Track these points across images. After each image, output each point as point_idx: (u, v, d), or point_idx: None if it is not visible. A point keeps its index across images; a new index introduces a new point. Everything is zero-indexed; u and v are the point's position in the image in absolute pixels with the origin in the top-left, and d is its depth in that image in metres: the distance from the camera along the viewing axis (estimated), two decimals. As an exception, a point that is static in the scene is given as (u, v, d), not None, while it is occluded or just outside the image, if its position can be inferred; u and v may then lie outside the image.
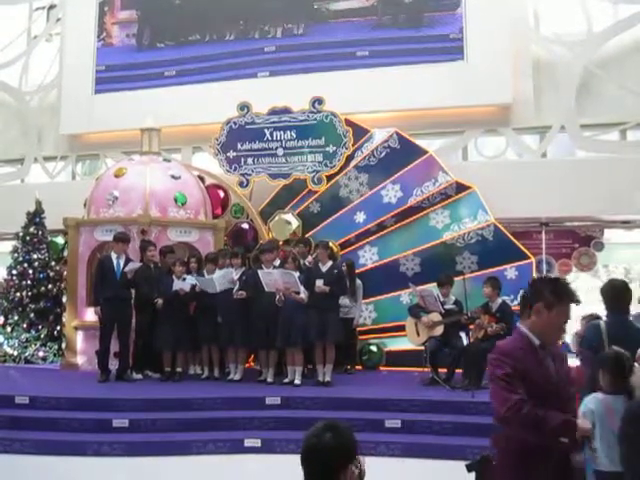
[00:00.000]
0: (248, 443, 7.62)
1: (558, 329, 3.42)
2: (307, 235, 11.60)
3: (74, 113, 14.25)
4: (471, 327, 9.35)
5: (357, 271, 10.96)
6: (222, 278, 9.66)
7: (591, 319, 6.60)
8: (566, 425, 3.27)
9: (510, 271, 10.73)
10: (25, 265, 12.08)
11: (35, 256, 12.16)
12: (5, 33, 15.26)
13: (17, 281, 12.05)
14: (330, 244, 9.97)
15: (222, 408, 8.32)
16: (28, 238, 12.31)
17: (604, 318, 5.41)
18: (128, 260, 9.90)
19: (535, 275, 10.62)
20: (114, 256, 9.88)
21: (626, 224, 12.53)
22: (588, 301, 12.34)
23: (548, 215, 12.11)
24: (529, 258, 10.84)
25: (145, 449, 7.47)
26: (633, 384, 3.88)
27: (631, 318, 5.52)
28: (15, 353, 11.71)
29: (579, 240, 12.63)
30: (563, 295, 3.38)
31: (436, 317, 9.37)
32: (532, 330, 3.41)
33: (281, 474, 6.66)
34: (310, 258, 10.21)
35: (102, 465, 7.17)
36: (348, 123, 11.82)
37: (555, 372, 3.40)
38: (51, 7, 15.54)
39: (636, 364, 4.17)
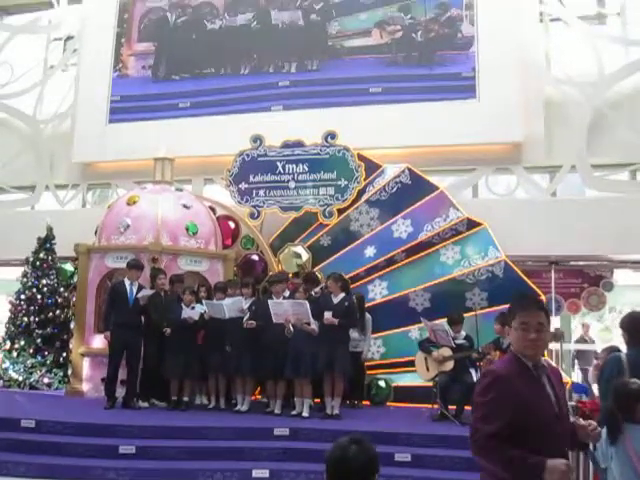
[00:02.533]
0: (256, 473, 7.52)
1: (523, 339, 3.21)
2: (317, 268, 11.60)
3: (87, 142, 14.36)
4: (481, 363, 9.29)
5: (366, 305, 10.93)
6: (232, 305, 9.65)
7: (611, 351, 6.57)
8: (534, 467, 3.01)
9: (520, 308, 10.65)
10: (34, 290, 12.07)
11: (44, 281, 12.15)
12: (22, 62, 15.45)
13: (25, 306, 12.02)
14: (342, 276, 9.92)
15: (230, 438, 8.24)
16: (38, 263, 12.31)
17: (624, 351, 5.39)
18: (140, 287, 9.91)
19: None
20: (127, 283, 9.88)
21: (636, 264, 12.51)
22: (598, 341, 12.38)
23: (557, 254, 12.11)
24: (539, 296, 10.80)
25: (152, 476, 7.39)
26: None
27: None
28: (20, 378, 11.63)
29: (588, 280, 12.62)
30: (517, 303, 3.36)
31: (447, 352, 9.33)
32: (516, 351, 3.29)
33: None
34: (317, 289, 10.18)
35: (108, 491, 7.10)
36: (360, 158, 11.91)
37: (556, 400, 3.24)
38: (68, 38, 15.74)
39: None
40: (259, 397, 10.61)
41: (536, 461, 2.98)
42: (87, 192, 15.12)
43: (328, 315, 9.08)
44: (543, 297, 10.85)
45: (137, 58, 14.81)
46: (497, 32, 12.43)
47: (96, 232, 11.76)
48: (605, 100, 12.04)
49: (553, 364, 3.63)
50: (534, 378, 3.23)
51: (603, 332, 13.24)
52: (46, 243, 12.47)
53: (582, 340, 13.40)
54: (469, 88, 12.47)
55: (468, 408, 9.21)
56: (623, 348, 5.54)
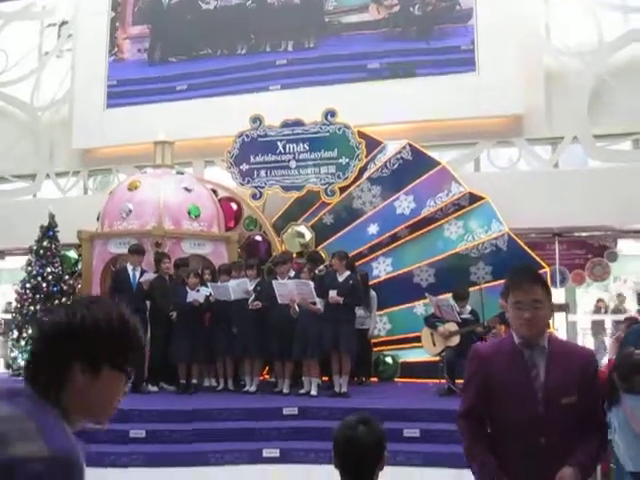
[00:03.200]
0: (266, 453, 7.59)
1: (517, 318, 3.01)
2: (320, 247, 11.60)
3: (86, 128, 14.27)
4: (487, 337, 9.31)
5: (371, 282, 10.94)
6: (237, 287, 9.67)
7: (631, 323, 6.57)
8: (481, 469, 3.09)
9: (525, 281, 10.65)
10: (39, 279, 12.07)
11: (48, 270, 12.14)
12: (17, 49, 15.35)
13: (31, 295, 12.03)
14: (347, 254, 9.93)
15: (239, 418, 8.29)
16: (41, 252, 12.30)
17: None
18: (143, 272, 9.91)
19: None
20: (130, 268, 9.90)
21: (639, 234, 12.49)
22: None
23: (561, 225, 12.07)
24: (544, 268, 10.78)
25: (163, 460, 7.46)
26: None
27: None
28: (29, 367, 11.66)
29: (592, 250, 12.58)
30: (510, 279, 3.17)
31: (452, 327, 9.35)
32: (513, 329, 3.17)
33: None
34: (321, 267, 10.18)
35: (120, 476, 7.17)
36: (361, 135, 11.85)
37: (544, 384, 3.00)
38: (62, 24, 15.61)
39: None
40: (267, 377, 10.65)
41: (490, 474, 3.02)
42: (88, 178, 15.08)
43: (333, 294, 9.10)
44: (547, 269, 10.85)
45: (132, 41, 14.70)
46: (496, 3, 12.28)
47: (98, 218, 11.75)
48: (605, 69, 11.94)
49: (579, 346, 3.38)
50: (520, 359, 3.04)
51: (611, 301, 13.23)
52: (49, 231, 12.43)
53: (598, 311, 13.42)
54: (468, 61, 12.37)
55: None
56: None
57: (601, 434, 3.11)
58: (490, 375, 3.07)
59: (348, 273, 9.41)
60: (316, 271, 9.87)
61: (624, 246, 12.88)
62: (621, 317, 11.06)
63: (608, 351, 7.26)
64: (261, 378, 10.25)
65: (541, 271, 10.61)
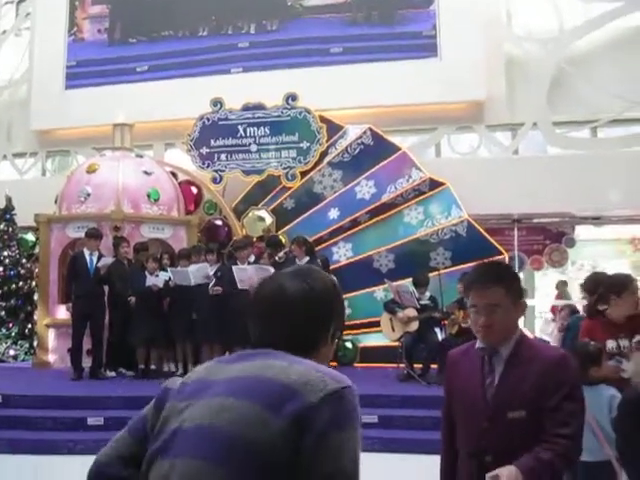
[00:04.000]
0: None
1: (474, 323, 2.70)
2: (280, 231, 11.58)
3: (44, 109, 14.03)
4: (445, 323, 9.40)
5: (331, 267, 10.95)
6: (197, 272, 9.62)
7: (571, 312, 6.67)
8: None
9: (484, 267, 10.76)
10: (-5, 262, 11.93)
11: (5, 253, 12.00)
12: (-27, 27, 15.04)
13: (-13, 278, 11.89)
14: (306, 239, 9.94)
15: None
16: (-2, 235, 12.15)
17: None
18: (101, 256, 9.81)
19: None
20: (87, 252, 9.75)
21: (596, 220, 12.68)
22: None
23: (520, 212, 12.23)
24: (502, 254, 10.89)
25: (121, 447, 7.39)
26: (631, 370, 3.91)
27: None
28: (-15, 351, 11.55)
29: (551, 236, 12.77)
30: (467, 279, 2.88)
31: (411, 312, 9.40)
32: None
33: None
34: (281, 253, 10.17)
35: (77, 463, 7.06)
36: (322, 119, 11.80)
37: (495, 392, 2.65)
38: (20, 1, 15.32)
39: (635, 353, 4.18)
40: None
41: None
42: (46, 160, 14.86)
43: (293, 279, 9.08)
44: (506, 255, 10.95)
45: (92, 21, 14.45)
46: (457, -12, 12.33)
47: (56, 201, 11.59)
48: (566, 57, 12.07)
49: (546, 349, 2.81)
50: (479, 365, 2.72)
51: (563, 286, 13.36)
52: (6, 214, 12.28)
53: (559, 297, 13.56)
54: (430, 46, 12.42)
55: (434, 367, 9.38)
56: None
57: (561, 447, 2.54)
58: (452, 382, 2.85)
59: (307, 259, 9.43)
60: (276, 257, 9.86)
61: (582, 232, 13.08)
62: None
63: (552, 340, 7.36)
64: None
65: (499, 257, 10.74)
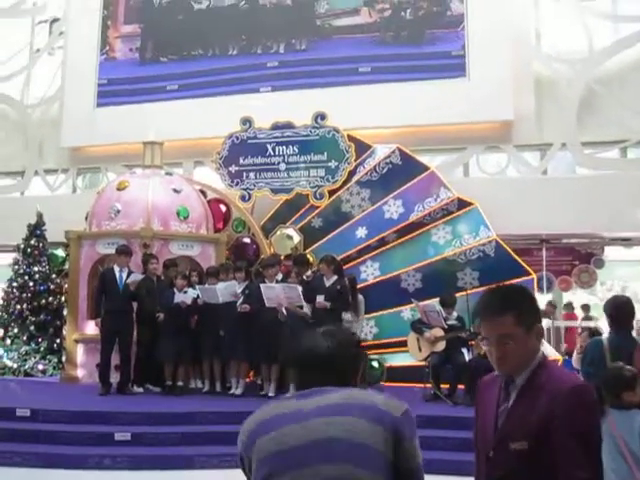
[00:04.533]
0: (251, 458, 7.58)
1: (489, 355, 2.52)
2: (308, 250, 11.62)
3: (76, 126, 14.25)
4: (473, 343, 9.34)
5: (358, 286, 10.96)
6: (225, 290, 9.67)
7: (592, 334, 6.62)
8: None
9: (512, 287, 10.71)
10: (26, 277, 12.06)
11: (36, 269, 12.14)
12: (8, 46, 15.30)
13: (17, 293, 12.02)
14: (334, 258, 9.96)
15: (226, 422, 8.25)
16: (29, 250, 12.29)
17: (606, 334, 5.43)
18: (130, 273, 9.90)
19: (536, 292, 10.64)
20: (117, 269, 9.86)
21: (626, 241, 12.57)
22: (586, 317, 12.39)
23: (549, 232, 12.16)
24: (530, 275, 10.84)
25: (148, 463, 7.43)
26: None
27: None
28: (15, 366, 11.64)
29: (579, 257, 12.70)
30: (475, 308, 2.67)
31: (439, 332, 9.37)
32: None
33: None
34: (309, 272, 10.19)
35: (104, 478, 7.13)
36: (350, 139, 11.85)
37: (505, 422, 2.49)
38: (54, 20, 15.60)
39: None
40: (252, 378, 10.65)
41: None
42: (77, 177, 15.06)
43: (320, 299, 9.12)
44: (534, 275, 10.89)
45: (124, 40, 14.68)
46: (487, 9, 12.36)
47: (86, 218, 11.73)
48: (595, 77, 12.04)
49: (561, 378, 2.43)
50: (498, 392, 2.57)
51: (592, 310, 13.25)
52: (36, 229, 12.44)
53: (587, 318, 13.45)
54: (459, 66, 12.44)
55: (461, 387, 9.34)
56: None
57: None
58: (477, 407, 2.72)
59: (335, 278, 9.43)
60: (304, 276, 9.88)
61: (611, 253, 12.97)
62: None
63: (574, 362, 7.29)
64: (248, 379, 10.27)
65: (527, 278, 10.69)
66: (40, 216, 12.60)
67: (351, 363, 2.38)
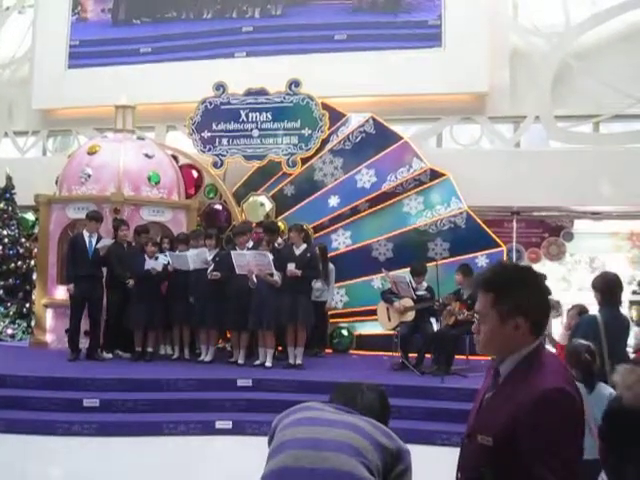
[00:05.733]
0: (219, 425, 7.65)
1: None
2: (280, 217, 11.61)
3: (46, 88, 14.01)
4: (442, 314, 9.43)
5: (330, 255, 11.00)
6: (196, 257, 9.66)
7: (580, 311, 6.69)
8: None
9: (481, 259, 10.84)
10: (-6, 241, 11.95)
11: (5, 232, 12.01)
12: (-24, 4, 14.97)
13: (-14, 257, 11.91)
14: (304, 227, 9.99)
15: (194, 389, 8.33)
16: (-2, 214, 12.16)
17: (597, 311, 5.50)
18: (100, 238, 9.82)
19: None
20: (86, 234, 9.76)
21: (596, 215, 12.70)
22: (556, 290, 12.55)
23: (520, 204, 12.24)
24: (500, 246, 10.96)
25: (116, 429, 7.46)
26: (616, 382, 3.92)
27: None
28: (-17, 330, 11.59)
29: (549, 230, 12.80)
30: None
31: (408, 303, 9.45)
32: None
33: (252, 455, 6.69)
34: (280, 240, 10.19)
35: (72, 444, 7.15)
36: (324, 107, 11.80)
37: (477, 414, 2.41)
38: (24, -21, 15.24)
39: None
40: (223, 344, 10.69)
41: None
42: (47, 139, 14.84)
43: (291, 267, 9.13)
44: (504, 247, 11.01)
45: (96, 1, 14.34)
46: (464, -22, 12.28)
47: (57, 182, 11.59)
48: (571, 51, 12.05)
49: (536, 379, 2.21)
50: (489, 378, 2.47)
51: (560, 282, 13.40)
52: (6, 193, 12.29)
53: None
54: (435, 36, 12.38)
55: (428, 357, 9.46)
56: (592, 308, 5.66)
57: None
58: (479, 390, 2.57)
59: (305, 246, 9.45)
60: (276, 244, 9.88)
61: (580, 226, 13.09)
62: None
63: (559, 338, 7.35)
64: (220, 344, 10.33)
65: (497, 250, 10.81)
66: (9, 179, 12.44)
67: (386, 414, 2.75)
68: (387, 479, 2.47)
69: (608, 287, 5.40)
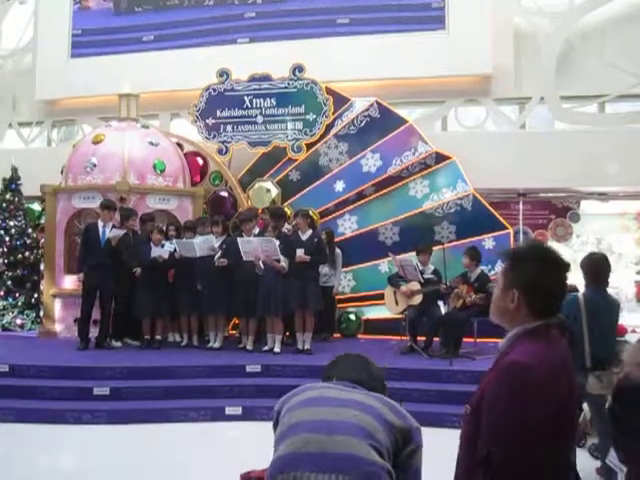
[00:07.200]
0: (229, 411, 7.69)
1: None
2: (286, 203, 11.60)
3: (50, 78, 14.00)
4: (449, 297, 9.44)
5: (336, 240, 11.00)
6: (203, 243, 9.67)
7: (569, 291, 6.68)
8: None
9: (488, 241, 10.83)
10: (2, 232, 11.95)
11: (12, 223, 12.03)
12: (-23, -5, 14.94)
13: (-7, 248, 11.93)
14: (310, 213, 9.98)
15: (203, 376, 8.36)
16: (4, 205, 12.16)
17: (582, 290, 5.49)
18: (113, 228, 9.81)
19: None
20: (100, 224, 9.73)
21: (602, 196, 12.65)
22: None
23: (526, 186, 12.20)
24: (507, 228, 10.94)
25: (126, 417, 7.50)
26: (624, 360, 3.89)
27: None
28: (-8, 320, 11.64)
29: (556, 211, 12.76)
30: None
31: (415, 286, 9.44)
32: None
33: (262, 441, 6.71)
34: (288, 226, 10.19)
35: (83, 433, 7.19)
36: (328, 91, 11.76)
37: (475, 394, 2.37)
38: (25, -32, 15.18)
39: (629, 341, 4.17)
40: (233, 332, 10.73)
41: None
42: (52, 129, 14.84)
43: (300, 253, 9.13)
44: (510, 229, 10.99)
45: (97, -11, 14.34)
46: (467, -40, 12.19)
47: (62, 171, 11.61)
48: (575, 31, 11.98)
49: (514, 352, 2.21)
50: None
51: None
52: (12, 184, 12.30)
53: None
54: (438, 19, 12.31)
55: (436, 340, 9.46)
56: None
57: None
58: None
59: (310, 232, 9.45)
60: (285, 229, 9.89)
61: (587, 207, 13.05)
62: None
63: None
64: (229, 331, 10.36)
65: (504, 232, 10.79)
66: (15, 170, 12.44)
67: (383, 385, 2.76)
68: (398, 458, 2.43)
69: (593, 268, 5.38)
